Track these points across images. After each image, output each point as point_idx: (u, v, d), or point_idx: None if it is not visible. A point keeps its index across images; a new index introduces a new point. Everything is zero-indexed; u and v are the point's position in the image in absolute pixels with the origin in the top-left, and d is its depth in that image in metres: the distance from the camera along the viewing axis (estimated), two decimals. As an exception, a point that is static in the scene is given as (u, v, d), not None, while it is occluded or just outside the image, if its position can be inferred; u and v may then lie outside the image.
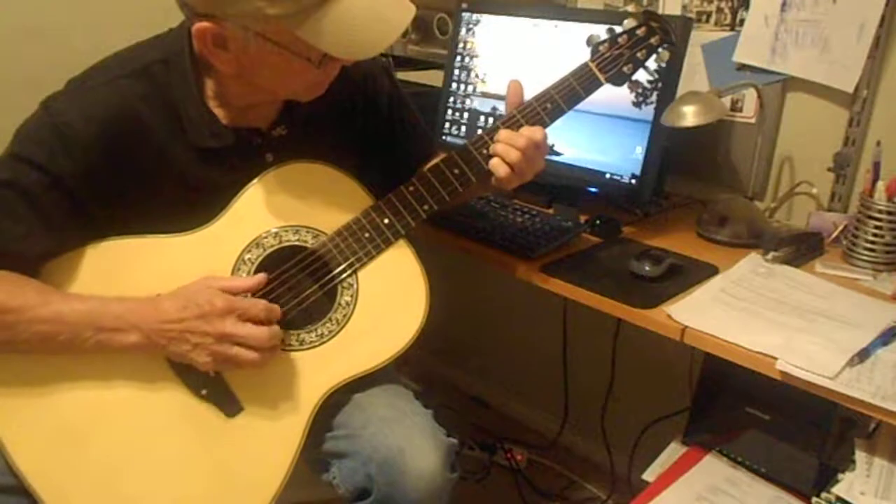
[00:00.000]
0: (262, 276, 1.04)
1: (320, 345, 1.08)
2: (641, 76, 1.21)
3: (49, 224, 0.99)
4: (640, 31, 1.18)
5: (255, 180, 1.08)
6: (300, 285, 1.09)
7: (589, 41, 1.17)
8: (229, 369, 1.03)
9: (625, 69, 1.16)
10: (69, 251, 1.02)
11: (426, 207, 1.11)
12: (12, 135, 0.99)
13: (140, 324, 0.98)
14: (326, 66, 0.99)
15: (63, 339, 0.96)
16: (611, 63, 1.16)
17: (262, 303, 1.01)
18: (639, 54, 1.17)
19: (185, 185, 1.05)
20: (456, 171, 1.12)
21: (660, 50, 1.19)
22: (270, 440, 1.06)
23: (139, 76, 1.02)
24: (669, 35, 1.18)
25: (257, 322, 0.99)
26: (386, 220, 1.10)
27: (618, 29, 1.18)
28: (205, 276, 1.03)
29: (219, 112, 1.05)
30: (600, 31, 1.19)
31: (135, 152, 1.01)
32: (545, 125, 1.13)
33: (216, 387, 1.04)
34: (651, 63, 1.20)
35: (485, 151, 1.10)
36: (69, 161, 0.97)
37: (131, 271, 1.03)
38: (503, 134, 1.09)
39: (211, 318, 0.98)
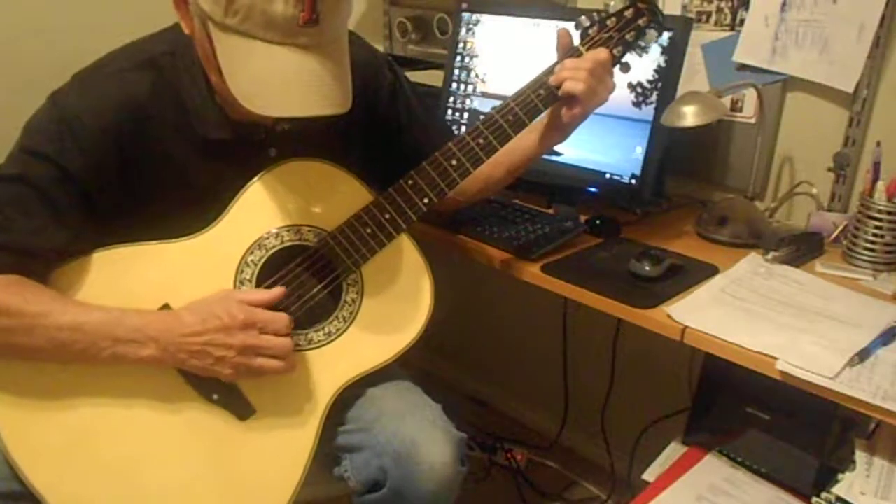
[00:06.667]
0: (280, 290, 1.04)
1: (328, 343, 1.08)
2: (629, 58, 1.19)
3: (60, 218, 0.98)
4: (627, 13, 1.16)
5: (252, 182, 1.07)
6: (305, 285, 1.09)
7: (577, 25, 1.16)
8: (251, 378, 1.03)
9: (614, 52, 1.15)
10: (78, 251, 1.01)
11: (426, 200, 1.11)
12: (20, 130, 0.99)
13: (158, 337, 0.97)
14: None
15: (79, 349, 0.96)
16: (599, 46, 1.15)
17: (284, 317, 1.01)
18: (627, 36, 1.16)
19: (190, 178, 1.05)
20: (454, 162, 1.12)
21: (647, 31, 1.17)
22: (285, 441, 1.06)
23: (146, 68, 1.02)
24: (657, 16, 1.17)
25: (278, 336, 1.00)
26: (387, 215, 1.10)
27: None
28: (223, 290, 1.03)
29: (224, 105, 1.05)
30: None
31: (142, 144, 1.01)
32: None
33: (227, 391, 1.04)
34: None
35: (542, 92, 1.12)
36: (78, 154, 0.97)
37: (134, 279, 1.02)
38: (568, 62, 1.12)
39: (233, 331, 0.98)
